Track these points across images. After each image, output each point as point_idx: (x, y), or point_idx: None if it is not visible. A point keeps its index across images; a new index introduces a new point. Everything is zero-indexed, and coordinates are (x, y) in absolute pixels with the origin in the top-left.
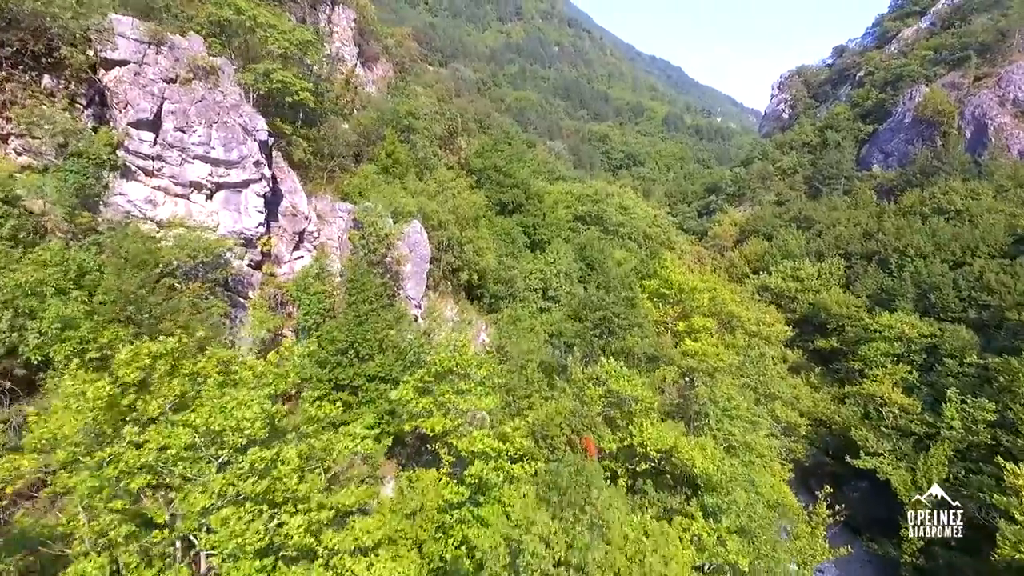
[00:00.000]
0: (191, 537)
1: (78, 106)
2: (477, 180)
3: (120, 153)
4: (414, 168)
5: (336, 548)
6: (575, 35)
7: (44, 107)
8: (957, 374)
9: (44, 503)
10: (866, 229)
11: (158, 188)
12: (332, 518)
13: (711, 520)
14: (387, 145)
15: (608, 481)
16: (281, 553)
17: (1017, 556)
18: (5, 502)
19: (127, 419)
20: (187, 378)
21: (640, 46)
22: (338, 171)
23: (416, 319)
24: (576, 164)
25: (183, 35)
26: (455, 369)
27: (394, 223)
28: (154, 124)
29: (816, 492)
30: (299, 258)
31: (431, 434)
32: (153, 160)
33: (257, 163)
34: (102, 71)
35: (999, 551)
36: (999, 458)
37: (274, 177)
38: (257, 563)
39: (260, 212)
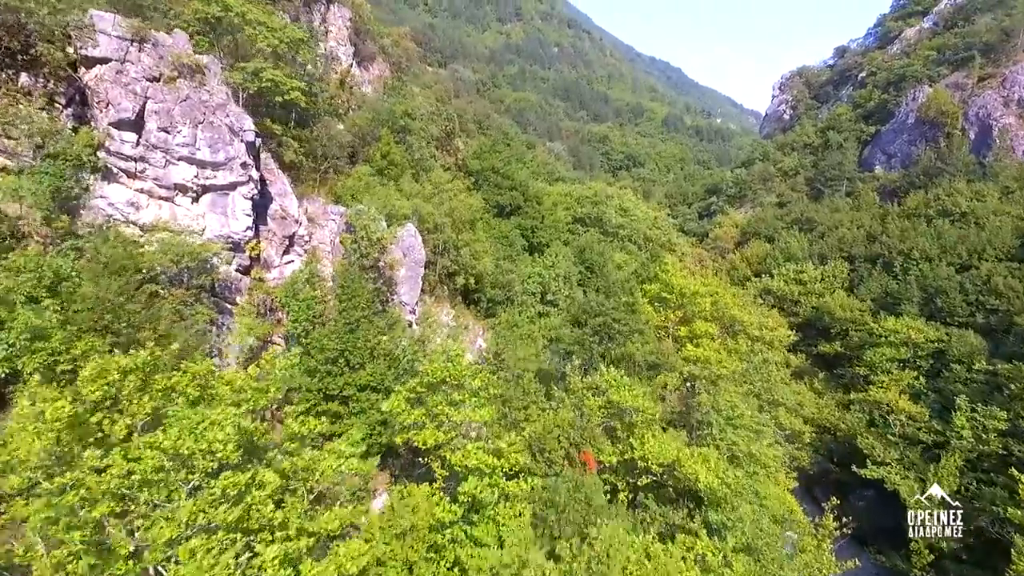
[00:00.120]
0: (160, 568)
1: (57, 105)
2: (475, 182)
3: (101, 154)
4: (410, 169)
5: None
6: (575, 36)
7: (21, 106)
8: (966, 380)
9: (2, 532)
10: (869, 231)
11: (141, 191)
12: (313, 545)
13: (716, 538)
14: (382, 146)
15: (608, 496)
16: None
17: None
18: None
19: (93, 439)
20: (160, 394)
21: (640, 47)
22: (331, 173)
23: (410, 325)
24: (576, 165)
25: (168, 32)
26: (448, 380)
27: (388, 226)
28: (137, 124)
29: (822, 502)
30: (289, 263)
31: (423, 448)
32: (136, 161)
33: (244, 164)
34: (82, 69)
35: (1014, 567)
36: (1013, 470)
37: (263, 179)
38: None
39: (248, 215)
